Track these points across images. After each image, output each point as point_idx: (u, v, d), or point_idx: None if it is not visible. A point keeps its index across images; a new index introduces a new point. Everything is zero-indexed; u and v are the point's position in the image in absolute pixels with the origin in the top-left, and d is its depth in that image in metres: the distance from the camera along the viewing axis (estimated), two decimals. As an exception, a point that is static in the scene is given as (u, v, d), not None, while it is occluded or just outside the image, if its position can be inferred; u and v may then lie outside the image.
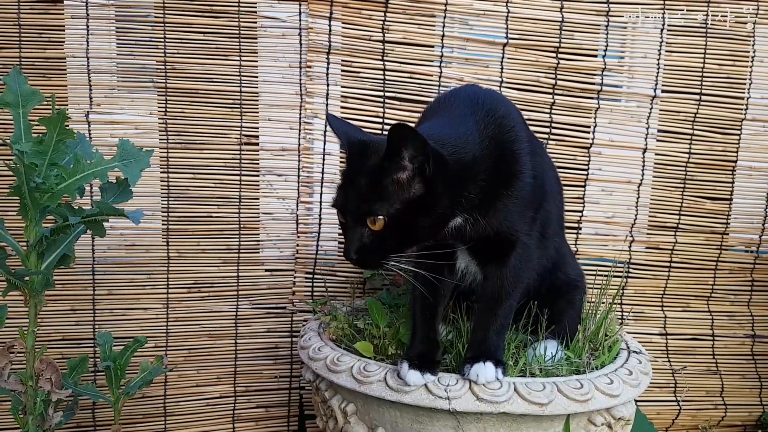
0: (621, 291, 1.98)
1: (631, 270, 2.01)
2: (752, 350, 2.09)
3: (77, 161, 1.26)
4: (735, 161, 2.01)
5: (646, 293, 2.04)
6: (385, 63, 1.84)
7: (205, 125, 1.81)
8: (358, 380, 1.23)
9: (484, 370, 1.17)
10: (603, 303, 1.49)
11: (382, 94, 1.86)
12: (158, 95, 1.79)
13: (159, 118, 1.79)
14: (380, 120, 1.86)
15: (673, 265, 2.04)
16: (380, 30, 1.83)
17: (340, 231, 1.86)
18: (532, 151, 1.23)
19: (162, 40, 1.77)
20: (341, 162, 1.85)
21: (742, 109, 2.00)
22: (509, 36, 1.87)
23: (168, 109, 1.79)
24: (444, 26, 1.86)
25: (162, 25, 1.76)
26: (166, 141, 1.79)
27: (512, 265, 1.22)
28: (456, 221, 1.16)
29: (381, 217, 1.06)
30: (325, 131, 1.84)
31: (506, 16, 1.87)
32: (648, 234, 2.02)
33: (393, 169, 1.07)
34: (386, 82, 1.85)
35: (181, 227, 1.82)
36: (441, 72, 1.87)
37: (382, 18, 1.83)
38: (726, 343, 2.08)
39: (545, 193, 1.27)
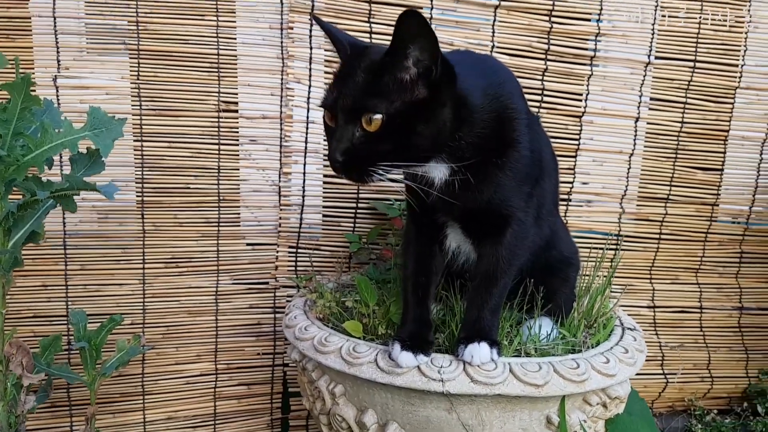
0: (615, 265, 1.95)
1: (620, 242, 1.98)
2: (739, 322, 2.09)
3: (45, 130, 1.17)
4: (728, 130, 1.98)
5: (635, 266, 2.02)
6: (372, 25, 1.75)
7: (181, 90, 1.71)
8: (347, 362, 1.18)
9: (479, 351, 1.13)
10: (597, 278, 1.45)
11: (367, 58, 1.77)
12: (130, 58, 1.68)
13: (131, 83, 1.69)
14: (366, 86, 1.77)
15: (662, 237, 2.01)
16: (366, -10, 1.74)
17: (325, 203, 1.81)
18: (530, 124, 1.17)
19: (134, -2, 1.65)
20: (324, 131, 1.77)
21: (736, 77, 1.95)
22: (501, -2, 1.79)
23: (141, 73, 1.69)
24: (433, -13, 1.77)
25: (133, -18, 1.65)
26: (139, 107, 1.70)
27: (507, 242, 1.17)
28: (443, 172, 1.09)
29: (379, 115, 0.97)
30: (308, 98, 1.76)
31: (498, -23, 1.78)
32: (638, 205, 1.98)
33: (395, 68, 0.98)
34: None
35: (157, 199, 1.73)
36: (430, 36, 1.78)
37: (369, -23, 1.73)
38: (713, 316, 2.08)
39: (542, 169, 1.21)
